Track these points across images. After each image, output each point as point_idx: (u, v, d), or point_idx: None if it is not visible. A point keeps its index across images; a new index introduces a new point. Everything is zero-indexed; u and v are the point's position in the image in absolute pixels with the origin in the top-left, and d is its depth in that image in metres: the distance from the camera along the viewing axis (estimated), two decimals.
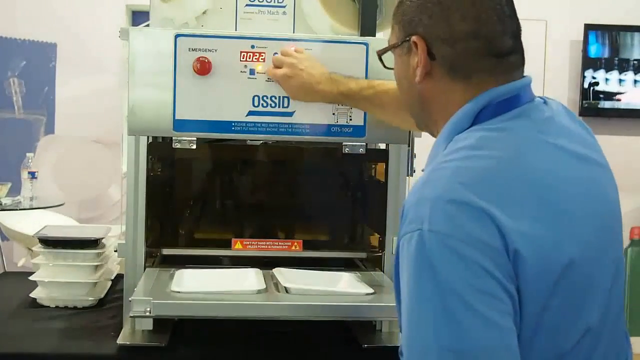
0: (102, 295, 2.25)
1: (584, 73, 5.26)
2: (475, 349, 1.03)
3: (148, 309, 1.66)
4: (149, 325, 1.78)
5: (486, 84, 1.22)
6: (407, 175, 1.95)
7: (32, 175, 3.91)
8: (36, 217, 4.29)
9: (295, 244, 1.94)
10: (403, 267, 1.11)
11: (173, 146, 1.86)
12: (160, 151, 1.96)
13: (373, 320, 1.90)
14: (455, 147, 1.18)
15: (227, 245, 1.92)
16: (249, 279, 1.83)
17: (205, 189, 2.08)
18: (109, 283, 2.36)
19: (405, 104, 1.38)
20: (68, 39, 5.16)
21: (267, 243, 1.93)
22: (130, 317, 1.73)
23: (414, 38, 1.25)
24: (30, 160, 3.94)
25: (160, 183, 1.98)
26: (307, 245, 1.95)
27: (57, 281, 2.19)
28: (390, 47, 1.35)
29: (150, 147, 1.89)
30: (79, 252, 2.19)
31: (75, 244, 2.20)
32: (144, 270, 1.89)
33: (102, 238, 2.24)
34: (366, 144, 1.92)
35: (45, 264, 2.20)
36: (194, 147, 1.86)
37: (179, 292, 1.75)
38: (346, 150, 1.91)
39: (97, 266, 2.22)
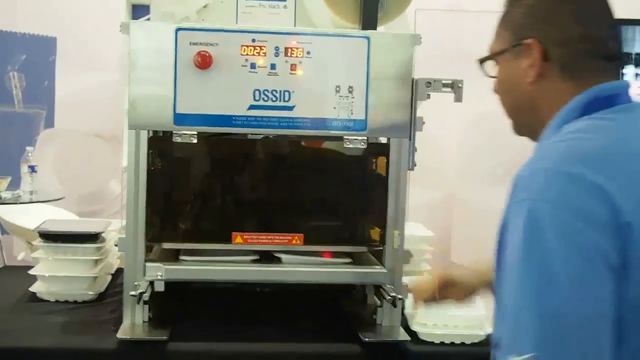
0: (103, 290, 2.25)
1: None
2: (570, 315, 1.08)
3: (160, 274, 1.88)
4: (160, 287, 1.90)
5: (594, 84, 1.28)
6: (408, 169, 1.94)
7: (32, 169, 3.89)
8: (36, 211, 4.27)
9: (296, 237, 1.93)
10: (512, 234, 1.15)
11: (173, 140, 1.86)
12: (160, 145, 1.95)
13: (348, 283, 2.13)
14: (565, 132, 1.24)
15: (228, 239, 1.92)
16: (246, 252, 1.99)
17: (205, 183, 2.06)
18: (109, 277, 2.36)
19: (510, 108, 1.41)
20: (68, 32, 5.14)
21: (268, 237, 1.93)
22: (146, 281, 1.87)
23: (528, 41, 1.31)
24: (30, 154, 3.92)
25: (160, 177, 1.97)
26: (307, 239, 1.94)
27: (57, 275, 2.18)
28: (500, 53, 1.38)
29: (151, 141, 1.88)
30: (78, 246, 2.19)
31: (75, 238, 2.19)
32: (144, 264, 1.88)
33: (102, 232, 2.23)
34: (367, 138, 1.91)
35: (44, 258, 2.20)
36: (195, 141, 1.86)
37: (186, 260, 1.95)
38: (347, 144, 1.90)
39: (97, 260, 2.21)
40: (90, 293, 2.20)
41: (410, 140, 1.93)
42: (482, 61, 1.43)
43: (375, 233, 2.00)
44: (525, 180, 1.17)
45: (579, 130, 1.22)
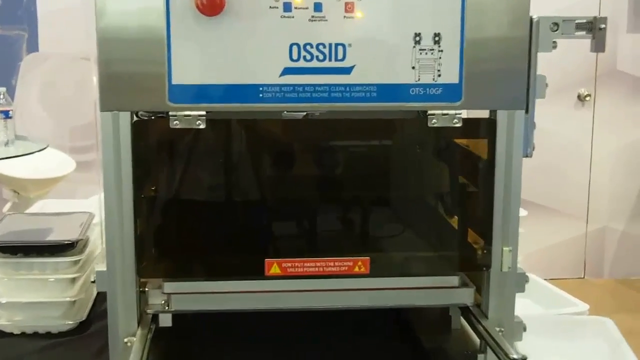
0: (84, 316, 1.64)
1: None
2: None
3: (164, 301, 1.32)
4: (167, 322, 1.33)
5: None
6: (525, 156, 1.30)
7: (6, 115, 3.21)
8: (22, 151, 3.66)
9: (359, 263, 1.30)
10: None
11: (171, 126, 1.22)
12: (151, 134, 1.29)
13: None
14: None
15: (259, 268, 1.29)
16: None
17: (222, 188, 1.41)
18: (95, 293, 1.75)
19: None
20: None
21: (318, 263, 1.29)
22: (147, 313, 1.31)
23: None
24: (2, 97, 3.24)
25: (153, 182, 1.33)
26: (376, 265, 1.31)
27: (20, 302, 1.58)
28: None
29: (137, 129, 1.23)
30: (47, 260, 1.58)
31: (41, 249, 1.58)
32: (138, 311, 1.27)
33: (80, 239, 1.61)
34: (463, 111, 1.26)
35: (1, 278, 1.59)
36: (203, 126, 1.22)
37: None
38: (433, 122, 1.25)
39: (74, 279, 1.60)
40: (67, 322, 1.60)
41: (527, 112, 1.29)
42: None
43: (474, 250, 1.37)
44: None
45: None
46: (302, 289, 1.32)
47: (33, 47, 4.60)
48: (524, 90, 1.27)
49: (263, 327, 1.47)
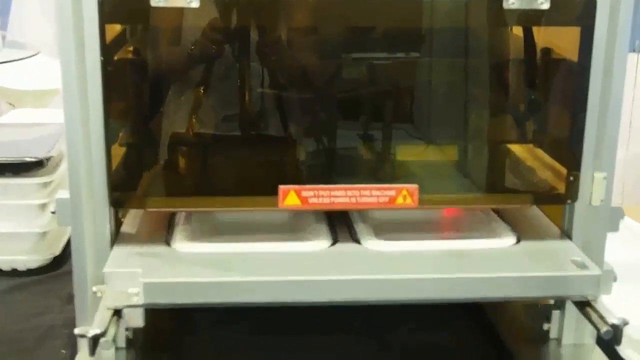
0: (58, 251, 1.34)
1: None
2: None
3: (136, 291, 0.89)
4: (138, 321, 0.93)
5: None
6: (632, 51, 0.97)
7: None
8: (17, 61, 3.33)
9: (404, 191, 0.98)
10: None
11: (152, 4, 0.89)
12: (125, 14, 0.96)
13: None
14: None
15: (271, 196, 0.97)
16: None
17: (221, 86, 1.08)
18: None
19: None
20: None
21: (349, 193, 0.97)
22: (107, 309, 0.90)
23: None
24: None
25: (129, 80, 1.01)
26: (426, 193, 0.99)
27: None
28: None
29: (106, 7, 0.90)
30: (10, 182, 1.28)
31: (3, 169, 1.27)
32: (111, 248, 0.97)
33: (50, 157, 1.30)
34: None
35: None
36: (196, 4, 0.89)
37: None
38: (511, 2, 0.92)
39: (44, 204, 1.30)
40: (37, 258, 1.31)
41: None
42: None
43: (556, 176, 1.04)
44: None
45: None
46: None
47: None
48: None
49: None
